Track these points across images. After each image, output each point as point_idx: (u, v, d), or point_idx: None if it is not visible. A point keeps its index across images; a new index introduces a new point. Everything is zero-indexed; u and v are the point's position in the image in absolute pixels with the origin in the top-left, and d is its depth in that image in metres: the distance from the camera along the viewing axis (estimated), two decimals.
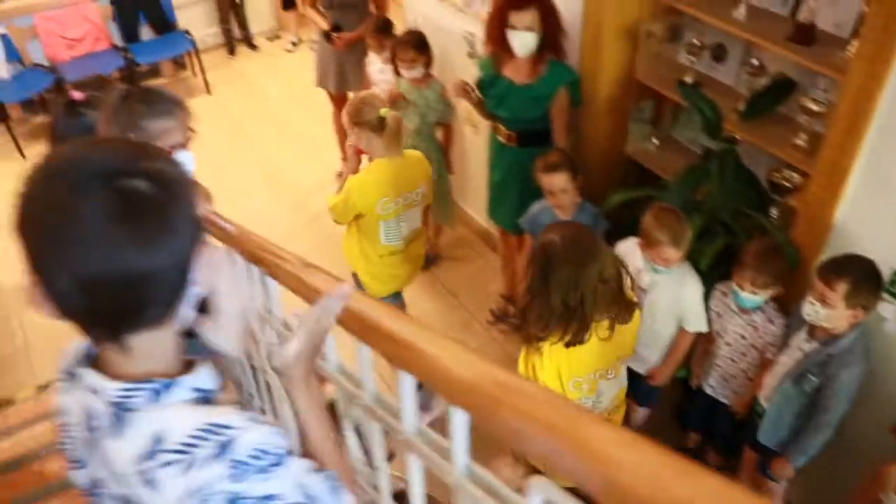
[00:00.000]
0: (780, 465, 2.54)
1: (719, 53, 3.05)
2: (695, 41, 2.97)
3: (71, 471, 1.06)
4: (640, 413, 3.07)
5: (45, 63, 6.02)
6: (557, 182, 2.91)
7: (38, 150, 5.82)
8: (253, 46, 7.01)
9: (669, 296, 2.67)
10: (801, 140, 2.60)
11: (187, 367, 0.98)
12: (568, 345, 2.19)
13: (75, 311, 0.88)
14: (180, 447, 0.88)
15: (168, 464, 0.88)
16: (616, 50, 3.05)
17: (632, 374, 2.68)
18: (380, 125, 2.90)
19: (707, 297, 2.70)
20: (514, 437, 0.72)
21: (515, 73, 3.12)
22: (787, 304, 2.57)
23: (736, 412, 2.82)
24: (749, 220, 2.72)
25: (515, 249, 3.69)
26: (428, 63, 3.72)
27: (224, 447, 0.88)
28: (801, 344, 2.45)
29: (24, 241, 0.85)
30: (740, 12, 2.67)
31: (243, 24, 6.92)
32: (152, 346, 0.93)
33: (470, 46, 3.78)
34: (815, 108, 2.55)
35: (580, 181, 2.98)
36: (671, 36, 3.14)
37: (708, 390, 2.89)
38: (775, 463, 2.56)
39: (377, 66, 4.09)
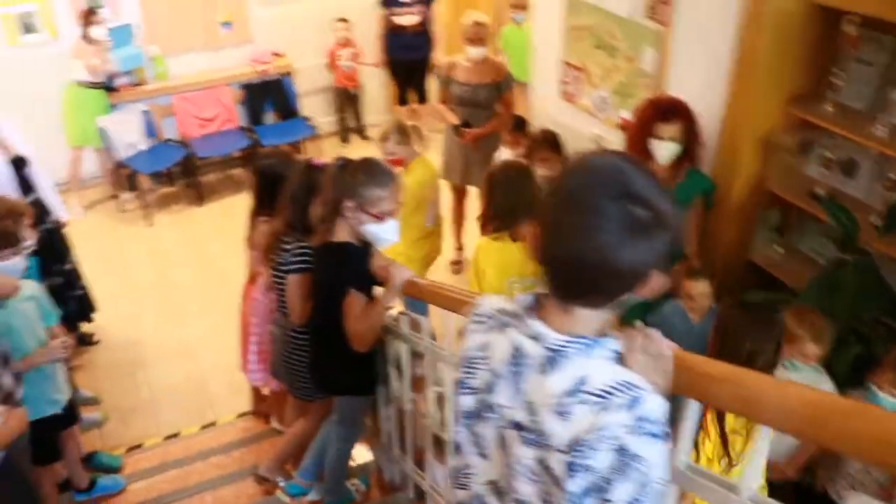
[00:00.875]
0: None
1: (849, 168, 3.19)
2: (827, 154, 3.13)
3: (460, 395, 1.30)
4: None
5: (177, 139, 6.51)
6: (700, 288, 3.01)
7: (163, 219, 6.24)
8: (365, 137, 7.38)
9: None
10: None
11: (605, 332, 1.19)
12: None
13: (549, 268, 1.15)
14: (599, 392, 1.09)
15: (585, 402, 1.09)
16: (750, 158, 3.23)
17: None
18: (410, 134, 3.88)
19: None
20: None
21: None
22: None
23: None
24: (884, 328, 2.80)
25: None
26: (562, 162, 3.94)
27: (635, 402, 1.08)
28: None
29: (547, 203, 1.13)
30: (880, 129, 2.83)
31: (358, 116, 7.34)
32: (589, 317, 1.16)
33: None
34: None
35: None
36: (802, 149, 3.31)
37: (834, 496, 2.89)
38: None
39: None
